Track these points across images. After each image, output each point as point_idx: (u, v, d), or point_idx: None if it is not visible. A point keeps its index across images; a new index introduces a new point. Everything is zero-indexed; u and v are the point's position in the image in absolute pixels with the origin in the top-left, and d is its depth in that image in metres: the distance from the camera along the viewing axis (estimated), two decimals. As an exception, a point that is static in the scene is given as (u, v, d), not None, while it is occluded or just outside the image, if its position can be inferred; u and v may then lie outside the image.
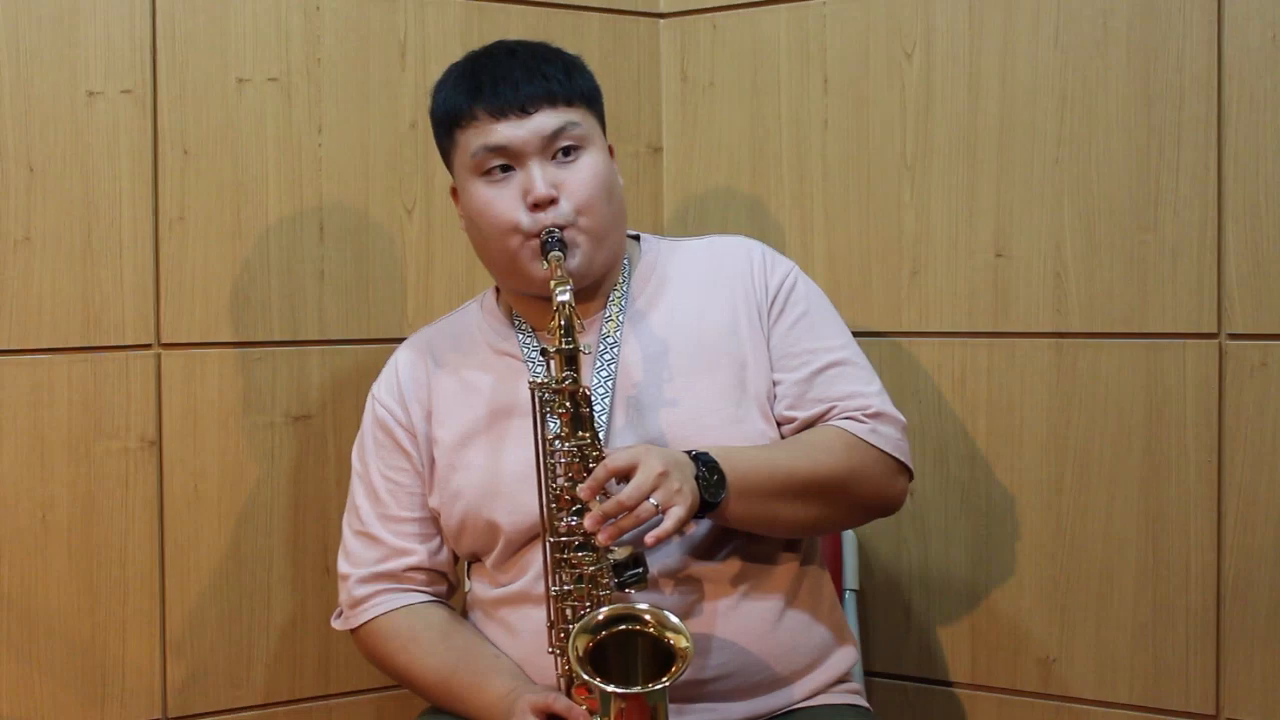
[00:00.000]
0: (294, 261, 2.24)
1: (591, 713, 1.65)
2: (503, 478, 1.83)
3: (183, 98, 2.16)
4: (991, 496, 2.26)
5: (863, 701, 1.90)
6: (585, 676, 1.60)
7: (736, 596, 1.80)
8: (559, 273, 1.74)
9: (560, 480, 1.70)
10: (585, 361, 1.76)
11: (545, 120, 1.82)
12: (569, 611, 1.71)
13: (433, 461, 1.90)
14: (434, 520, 1.92)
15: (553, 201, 1.80)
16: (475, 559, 1.92)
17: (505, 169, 1.83)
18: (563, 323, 1.69)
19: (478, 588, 1.91)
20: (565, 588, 1.71)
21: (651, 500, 1.62)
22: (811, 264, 2.35)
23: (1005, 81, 2.22)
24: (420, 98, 2.31)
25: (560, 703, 1.69)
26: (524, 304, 1.91)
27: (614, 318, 1.88)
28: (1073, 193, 2.18)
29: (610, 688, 1.59)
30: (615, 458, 1.66)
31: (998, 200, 2.23)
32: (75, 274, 2.10)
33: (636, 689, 1.60)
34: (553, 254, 1.76)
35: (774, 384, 1.86)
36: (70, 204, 2.10)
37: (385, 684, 2.32)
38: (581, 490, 1.66)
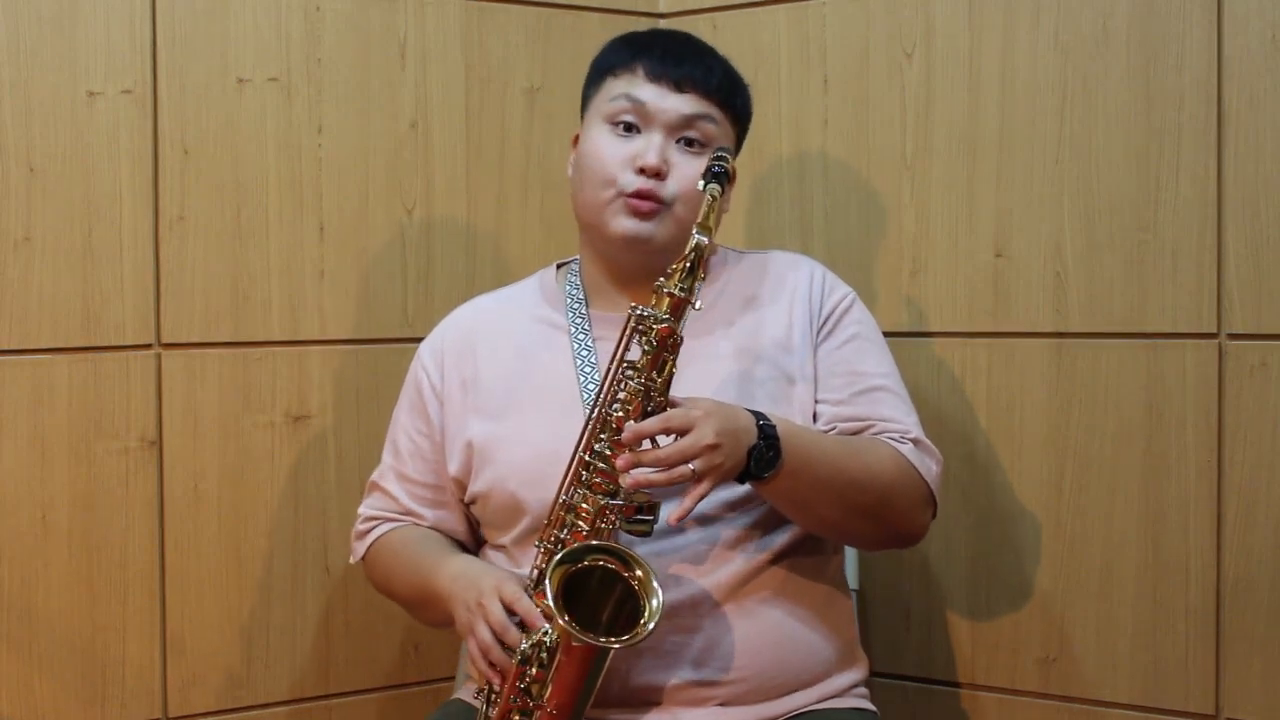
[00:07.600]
0: (294, 261, 2.24)
1: (547, 617, 1.64)
2: (534, 457, 1.81)
3: (183, 98, 2.16)
4: (991, 496, 2.26)
5: (868, 705, 1.89)
6: (550, 600, 1.61)
7: (763, 604, 1.80)
8: (707, 213, 1.70)
9: (617, 407, 1.68)
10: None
11: (690, 104, 1.85)
12: (568, 518, 1.69)
13: (458, 432, 1.90)
14: (448, 490, 1.93)
15: (659, 175, 1.82)
16: (495, 537, 1.90)
17: (630, 129, 1.85)
18: (688, 265, 1.67)
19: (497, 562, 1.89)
20: (574, 501, 1.69)
21: (690, 465, 1.62)
22: (811, 264, 2.35)
23: (1005, 81, 2.22)
24: (420, 98, 2.31)
25: (521, 604, 1.66)
26: (597, 265, 1.91)
27: None
28: (1073, 193, 2.18)
29: (559, 619, 1.60)
30: (674, 417, 1.64)
31: (998, 200, 2.23)
32: (75, 274, 2.10)
33: (575, 630, 1.60)
34: (710, 185, 1.74)
35: (816, 402, 1.86)
36: (70, 204, 2.10)
37: (385, 684, 2.32)
38: (627, 431, 1.64)
